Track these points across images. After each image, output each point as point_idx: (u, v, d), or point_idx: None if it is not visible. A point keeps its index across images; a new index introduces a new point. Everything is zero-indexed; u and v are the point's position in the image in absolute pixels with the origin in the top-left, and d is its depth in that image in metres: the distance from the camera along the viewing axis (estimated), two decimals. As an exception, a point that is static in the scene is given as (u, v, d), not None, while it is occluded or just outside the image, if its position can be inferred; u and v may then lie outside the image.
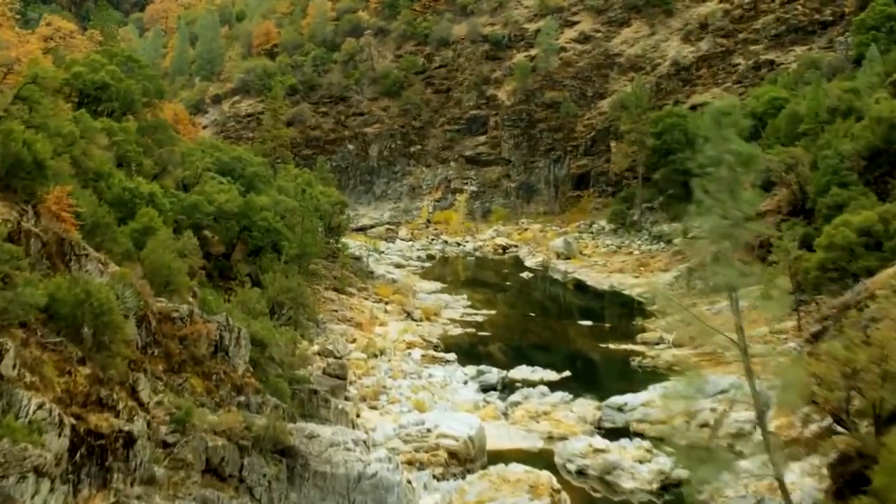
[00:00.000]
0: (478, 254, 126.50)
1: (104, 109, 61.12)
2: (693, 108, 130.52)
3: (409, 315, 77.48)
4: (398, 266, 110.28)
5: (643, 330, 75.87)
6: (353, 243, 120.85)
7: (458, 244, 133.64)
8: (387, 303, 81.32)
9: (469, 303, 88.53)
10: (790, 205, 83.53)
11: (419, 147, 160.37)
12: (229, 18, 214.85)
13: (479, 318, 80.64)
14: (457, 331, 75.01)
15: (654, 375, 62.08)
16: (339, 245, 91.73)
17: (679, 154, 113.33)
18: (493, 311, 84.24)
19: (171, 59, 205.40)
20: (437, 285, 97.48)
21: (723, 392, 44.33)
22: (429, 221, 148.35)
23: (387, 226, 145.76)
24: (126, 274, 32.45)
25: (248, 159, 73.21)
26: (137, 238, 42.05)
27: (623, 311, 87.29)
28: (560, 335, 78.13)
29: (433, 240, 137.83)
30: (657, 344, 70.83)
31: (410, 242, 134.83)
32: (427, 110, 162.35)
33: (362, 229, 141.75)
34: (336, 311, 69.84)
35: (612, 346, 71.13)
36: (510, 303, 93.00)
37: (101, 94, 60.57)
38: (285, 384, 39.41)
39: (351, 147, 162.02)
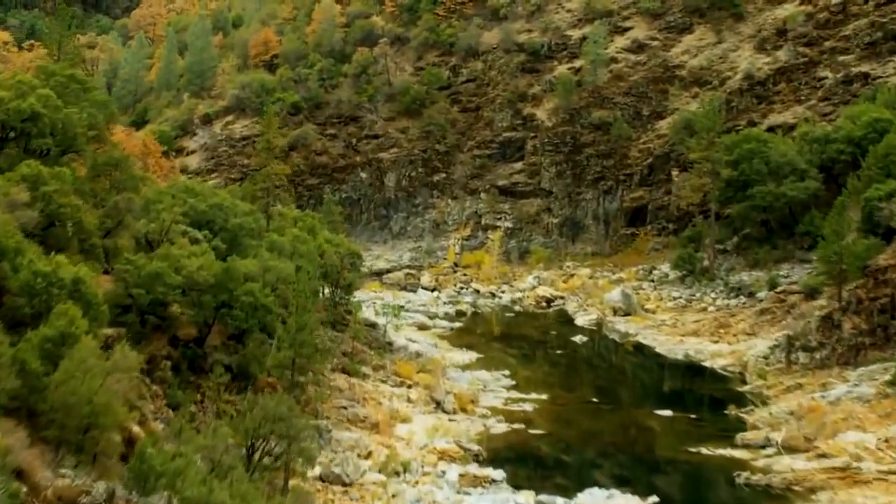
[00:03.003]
0: (517, 308, 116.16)
1: (37, 148, 50.53)
2: (770, 129, 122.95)
3: (438, 405, 66.32)
4: (422, 328, 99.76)
5: (740, 423, 64.77)
6: (367, 297, 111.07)
7: (493, 295, 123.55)
8: (410, 386, 70.26)
9: (513, 381, 77.53)
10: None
11: (444, 175, 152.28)
12: (224, 25, 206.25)
13: (528, 407, 69.38)
14: (501, 428, 63.73)
15: (769, 500, 50.81)
16: (351, 307, 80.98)
17: (759, 186, 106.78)
18: (543, 396, 72.88)
19: (157, 72, 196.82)
20: (472, 355, 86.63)
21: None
22: (456, 265, 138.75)
23: (406, 270, 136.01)
24: None
25: (232, 207, 62.41)
26: (51, 351, 31.38)
27: (707, 393, 76.20)
28: (634, 433, 66.76)
29: (462, 288, 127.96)
30: (763, 447, 59.48)
31: (435, 292, 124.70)
32: (453, 132, 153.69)
33: (377, 274, 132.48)
34: (345, 407, 58.75)
35: (704, 450, 59.72)
36: (564, 382, 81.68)
37: (31, 128, 49.86)
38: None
39: (364, 176, 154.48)
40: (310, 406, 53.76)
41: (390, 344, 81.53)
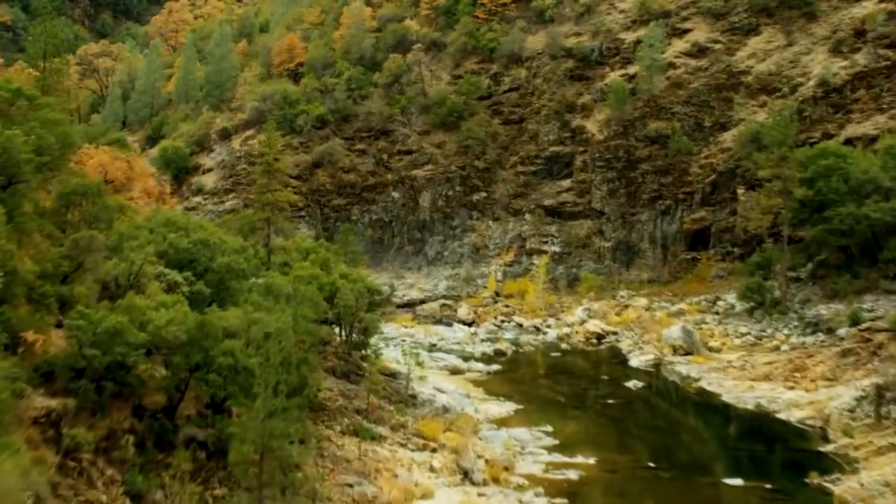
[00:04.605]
0: (564, 345, 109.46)
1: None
2: (848, 142, 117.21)
3: (466, 475, 59.32)
4: (454, 372, 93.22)
5: (824, 496, 57.49)
6: (395, 332, 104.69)
7: (537, 329, 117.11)
8: (434, 450, 63.30)
9: (555, 439, 70.47)
10: None
11: (484, 195, 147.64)
12: (251, 32, 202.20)
13: (572, 474, 62.23)
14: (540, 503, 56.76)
15: None
16: (369, 354, 74.42)
17: (837, 207, 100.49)
18: (591, 459, 65.74)
19: (175, 83, 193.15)
20: (509, 407, 79.71)
21: None
22: (497, 294, 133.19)
23: (442, 301, 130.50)
24: None
25: (219, 244, 55.94)
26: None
27: (785, 454, 69.04)
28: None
29: (503, 321, 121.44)
30: (862, 534, 52.33)
31: (472, 327, 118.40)
32: (494, 147, 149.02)
33: (409, 306, 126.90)
34: (351, 485, 51.81)
35: (789, 538, 52.59)
36: (616, 439, 74.36)
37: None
38: None
39: (396, 195, 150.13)
40: (305, 488, 46.97)
41: (413, 397, 74.76)
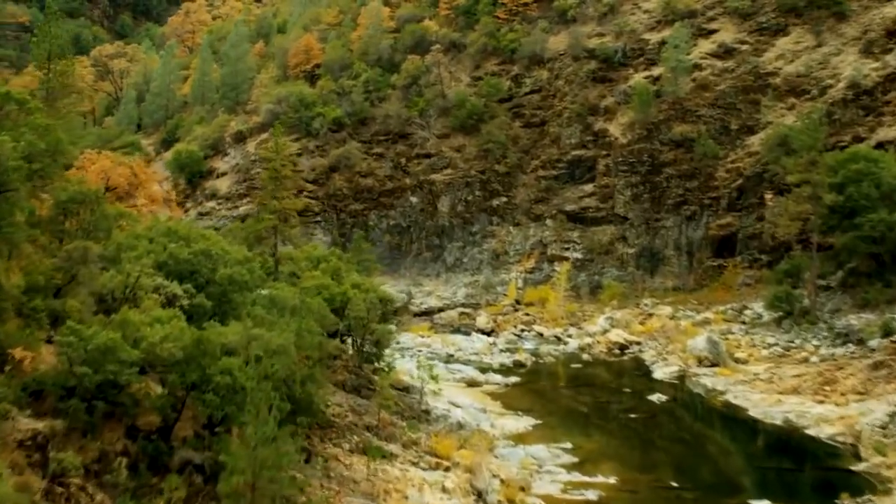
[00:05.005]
0: (585, 356, 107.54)
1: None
2: (880, 146, 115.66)
3: (480, 496, 57.52)
4: (471, 384, 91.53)
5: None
6: (411, 342, 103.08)
7: (558, 339, 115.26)
8: (447, 468, 61.50)
9: (575, 456, 68.67)
10: None
11: (504, 200, 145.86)
12: (268, 32, 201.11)
13: (592, 495, 60.45)
14: (559, 528, 55.12)
15: None
16: (381, 365, 72.74)
17: (868, 213, 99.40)
18: (612, 478, 63.91)
19: (191, 85, 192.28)
20: (527, 422, 77.86)
21: None
22: (518, 302, 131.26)
23: (460, 309, 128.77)
24: None
25: (222, 254, 54.31)
26: None
27: (815, 473, 67.37)
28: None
29: (523, 331, 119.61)
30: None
31: (491, 336, 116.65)
32: (515, 150, 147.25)
33: (427, 314, 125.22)
34: (356, 511, 50.13)
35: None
36: (638, 456, 72.44)
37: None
38: None
39: (414, 200, 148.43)
40: (308, 512, 45.31)
41: (427, 412, 73.01)
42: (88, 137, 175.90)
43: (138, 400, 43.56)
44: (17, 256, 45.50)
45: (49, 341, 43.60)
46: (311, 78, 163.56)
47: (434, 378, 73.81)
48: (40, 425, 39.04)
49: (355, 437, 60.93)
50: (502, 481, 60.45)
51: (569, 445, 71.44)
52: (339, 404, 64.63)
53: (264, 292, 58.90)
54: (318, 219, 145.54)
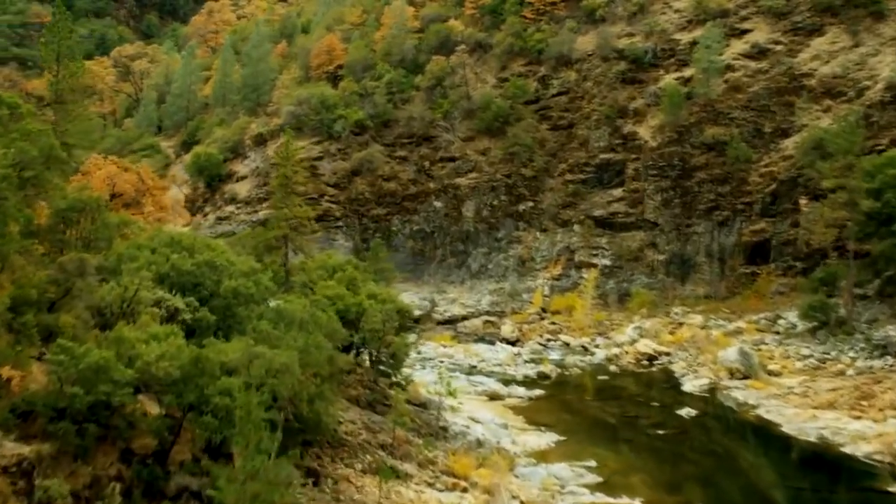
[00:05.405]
0: (612, 367, 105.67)
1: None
2: None
3: (499, 520, 55.79)
4: (493, 397, 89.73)
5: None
6: (433, 352, 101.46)
7: (585, 349, 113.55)
8: (465, 489, 59.60)
9: (599, 476, 66.65)
10: None
11: (531, 204, 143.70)
12: (292, 32, 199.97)
13: (619, 520, 58.70)
14: (581, 558, 53.15)
15: None
16: (399, 381, 70.96)
17: None
18: (638, 500, 61.86)
19: (213, 86, 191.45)
20: (550, 438, 75.96)
21: None
22: (544, 310, 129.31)
23: (485, 317, 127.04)
24: None
25: (227, 266, 52.58)
26: None
27: (851, 495, 65.48)
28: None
29: (549, 340, 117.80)
30: None
31: (516, 346, 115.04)
32: (542, 154, 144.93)
33: (450, 322, 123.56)
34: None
35: None
36: (665, 476, 70.33)
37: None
38: None
39: (438, 204, 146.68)
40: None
41: (444, 429, 71.13)
42: (108, 140, 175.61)
43: (132, 422, 41.91)
44: (10, 269, 43.96)
45: (41, 359, 42.15)
46: (334, 79, 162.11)
47: (452, 393, 72.10)
48: (26, 450, 37.58)
49: (368, 456, 59.10)
50: (522, 503, 58.60)
51: (593, 463, 69.46)
52: (352, 421, 62.85)
53: (274, 303, 57.23)
54: (340, 224, 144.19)
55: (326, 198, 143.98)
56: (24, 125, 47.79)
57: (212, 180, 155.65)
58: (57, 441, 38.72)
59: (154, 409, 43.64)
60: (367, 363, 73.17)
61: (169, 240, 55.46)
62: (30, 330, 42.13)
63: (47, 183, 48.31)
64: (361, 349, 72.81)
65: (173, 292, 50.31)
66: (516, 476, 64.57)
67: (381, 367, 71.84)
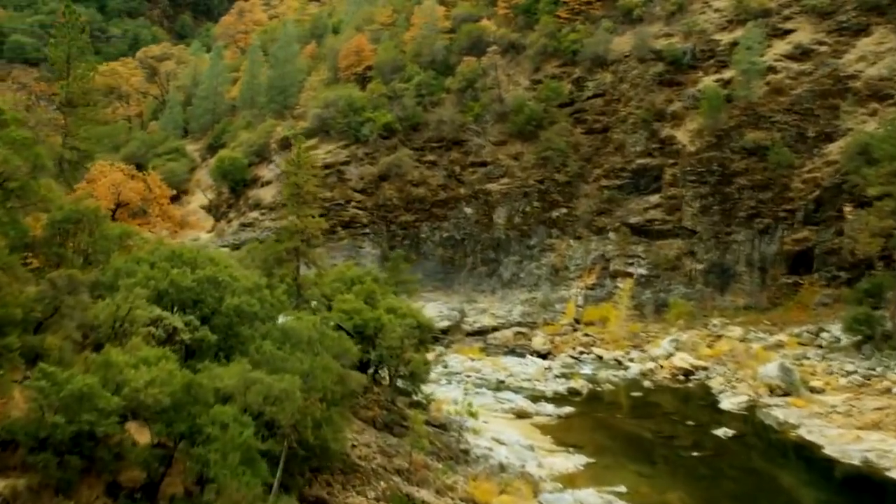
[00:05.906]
0: (647, 382, 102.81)
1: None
2: None
3: (519, 554, 53.34)
4: (520, 415, 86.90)
5: None
6: (460, 366, 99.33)
7: (619, 363, 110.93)
8: (484, 518, 57.24)
9: (630, 503, 63.94)
10: None
11: (565, 211, 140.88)
12: (322, 33, 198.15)
13: (648, 553, 56.07)
14: None
15: None
16: (419, 400, 68.61)
17: None
18: (670, 529, 59.46)
19: (240, 88, 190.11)
20: (578, 460, 73.28)
21: None
22: (577, 321, 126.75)
23: (516, 328, 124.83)
24: None
25: (230, 282, 50.18)
26: None
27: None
28: None
29: (582, 353, 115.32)
30: None
31: (547, 360, 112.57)
32: (576, 158, 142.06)
33: (480, 333, 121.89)
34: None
35: None
36: (700, 503, 67.68)
37: None
38: None
39: (469, 211, 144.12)
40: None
41: (466, 452, 68.58)
42: (132, 143, 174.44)
43: (119, 453, 39.64)
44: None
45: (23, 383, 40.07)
46: (362, 80, 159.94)
47: (473, 414, 69.68)
48: (1, 485, 35.45)
49: (382, 482, 56.59)
50: (547, 536, 56.11)
51: (623, 489, 66.75)
52: (366, 444, 60.35)
53: (282, 320, 54.92)
54: (367, 231, 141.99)
55: (353, 204, 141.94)
56: (9, 132, 45.74)
57: (236, 185, 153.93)
58: (37, 474, 36.61)
59: (144, 438, 41.36)
60: (386, 381, 70.78)
61: (169, 253, 53.17)
62: (12, 352, 40.04)
63: (33, 194, 46.22)
64: (379, 367, 70.46)
65: (173, 310, 48.08)
66: (540, 503, 62.07)
67: (400, 386, 69.48)
